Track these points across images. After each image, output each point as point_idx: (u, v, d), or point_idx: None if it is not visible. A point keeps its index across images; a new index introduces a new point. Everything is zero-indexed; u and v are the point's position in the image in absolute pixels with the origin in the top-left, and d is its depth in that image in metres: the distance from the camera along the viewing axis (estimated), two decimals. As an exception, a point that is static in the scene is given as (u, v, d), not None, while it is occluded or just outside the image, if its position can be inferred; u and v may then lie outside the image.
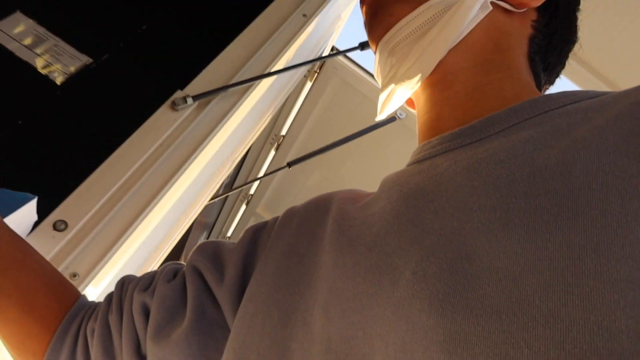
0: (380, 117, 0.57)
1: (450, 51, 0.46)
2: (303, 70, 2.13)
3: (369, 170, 2.60)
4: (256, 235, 0.51)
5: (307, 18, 1.27)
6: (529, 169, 0.31)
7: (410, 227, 0.35)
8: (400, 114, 2.14)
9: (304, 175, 2.86)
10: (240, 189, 2.85)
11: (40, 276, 0.52)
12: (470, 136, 0.40)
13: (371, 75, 2.22)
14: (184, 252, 3.37)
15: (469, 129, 0.40)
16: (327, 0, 1.33)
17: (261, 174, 2.90)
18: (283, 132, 2.67)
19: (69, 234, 0.75)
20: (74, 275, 0.74)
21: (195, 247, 0.53)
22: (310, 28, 1.25)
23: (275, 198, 3.20)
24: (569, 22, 0.51)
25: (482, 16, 0.46)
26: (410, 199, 0.37)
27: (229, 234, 3.73)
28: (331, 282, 0.38)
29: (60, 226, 0.75)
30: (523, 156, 0.32)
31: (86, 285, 0.76)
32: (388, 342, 0.30)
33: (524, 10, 0.48)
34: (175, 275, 0.53)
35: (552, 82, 0.54)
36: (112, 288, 1.09)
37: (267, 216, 3.46)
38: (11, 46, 1.23)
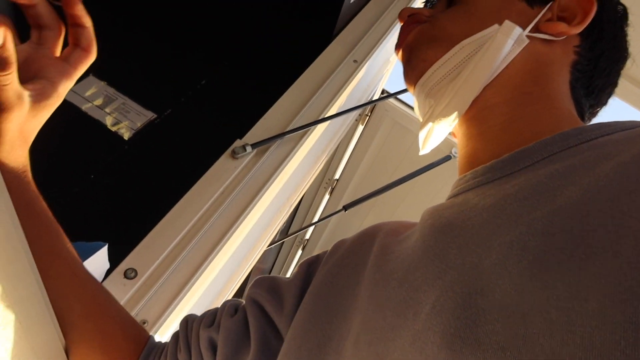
0: (424, 151, 0.58)
1: (486, 87, 0.47)
2: (355, 114, 2.16)
3: (423, 209, 2.55)
4: (310, 268, 0.53)
5: (358, 64, 1.30)
6: (550, 206, 0.31)
7: (436, 262, 0.35)
8: (456, 153, 2.11)
9: (359, 218, 2.85)
10: (296, 234, 2.87)
11: (117, 320, 0.55)
12: (501, 170, 0.40)
13: (423, 115, 2.22)
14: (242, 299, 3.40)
15: (500, 163, 0.41)
16: (376, 45, 1.36)
17: (316, 218, 2.91)
18: (337, 176, 2.69)
19: (139, 282, 0.78)
20: (144, 322, 0.76)
21: (252, 282, 0.55)
22: (361, 73, 1.28)
23: (331, 241, 3.19)
24: (617, 41, 0.50)
25: (518, 50, 0.46)
26: (439, 234, 0.38)
27: (285, 280, 3.73)
28: (364, 314, 0.39)
29: (130, 274, 0.78)
30: (546, 193, 0.32)
31: (155, 332, 0.77)
32: None
33: (564, 37, 0.47)
34: (236, 310, 0.55)
35: (604, 103, 0.53)
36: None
37: (323, 261, 3.44)
38: (85, 107, 1.32)
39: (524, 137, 0.42)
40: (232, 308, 0.55)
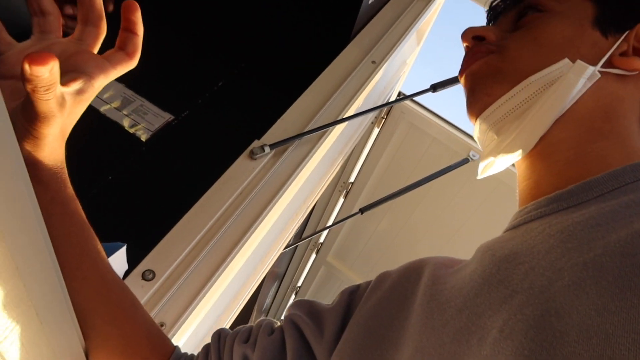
0: (481, 177, 0.57)
1: (553, 123, 0.45)
2: (371, 116, 2.14)
3: (440, 213, 2.52)
4: (350, 297, 0.52)
5: (376, 65, 1.28)
6: (627, 231, 0.30)
7: (500, 288, 0.35)
8: (474, 155, 2.08)
9: (374, 222, 2.83)
10: (310, 238, 2.85)
11: (142, 327, 0.54)
12: (567, 200, 0.39)
13: (439, 117, 2.20)
14: (256, 302, 3.39)
15: (566, 194, 0.39)
16: (395, 46, 1.35)
17: (330, 221, 2.89)
18: (352, 179, 2.68)
19: (157, 283, 0.77)
20: (162, 324, 0.75)
21: (291, 304, 0.55)
22: (379, 74, 1.27)
23: (345, 245, 3.17)
24: None
25: (588, 85, 0.44)
26: (502, 262, 0.37)
27: (299, 284, 3.71)
28: (417, 342, 0.39)
29: (148, 276, 0.77)
30: (622, 220, 0.32)
31: (172, 335, 0.76)
32: None
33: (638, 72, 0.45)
34: (273, 330, 0.54)
35: None
36: (192, 343, 1.10)
37: (338, 265, 3.42)
38: (103, 109, 1.33)
39: (590, 171, 0.41)
40: (268, 327, 0.55)
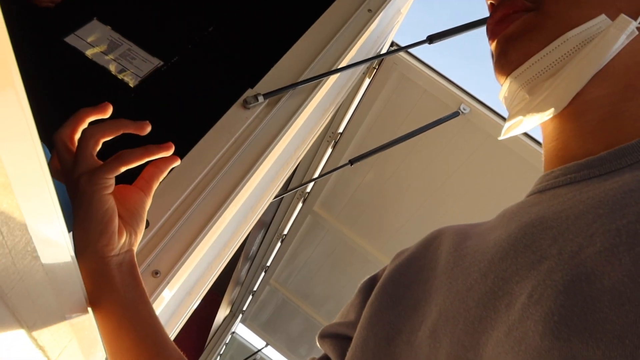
0: (503, 137, 0.55)
1: (588, 81, 0.43)
2: (363, 66, 2.11)
3: (428, 166, 2.54)
4: (370, 281, 0.53)
5: (372, 13, 1.25)
6: None
7: (527, 253, 0.34)
8: (464, 109, 2.08)
9: (362, 173, 2.84)
10: (298, 188, 2.87)
11: None
12: (598, 168, 0.37)
13: (432, 69, 2.17)
14: (243, 249, 3.44)
15: (597, 161, 0.38)
16: (391, -7, 1.31)
17: (318, 171, 2.90)
18: (340, 130, 2.66)
19: (151, 232, 0.77)
20: (156, 272, 0.76)
21: (318, 337, 0.57)
22: (374, 23, 1.23)
23: (332, 195, 3.19)
24: None
25: (626, 42, 0.42)
26: (528, 227, 0.37)
27: (285, 232, 3.77)
28: (441, 306, 0.38)
29: (142, 224, 0.77)
30: None
31: (167, 283, 0.77)
32: None
33: None
34: None
35: None
36: (184, 290, 1.11)
37: (324, 214, 3.46)
38: (88, 52, 1.28)
39: (624, 134, 0.39)
40: None
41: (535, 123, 0.49)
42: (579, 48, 0.43)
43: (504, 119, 2.12)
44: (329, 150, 2.82)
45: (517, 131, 0.52)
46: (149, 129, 0.62)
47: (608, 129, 0.41)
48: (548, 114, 0.45)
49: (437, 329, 0.37)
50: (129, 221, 0.60)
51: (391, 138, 2.14)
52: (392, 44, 2.16)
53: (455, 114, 2.06)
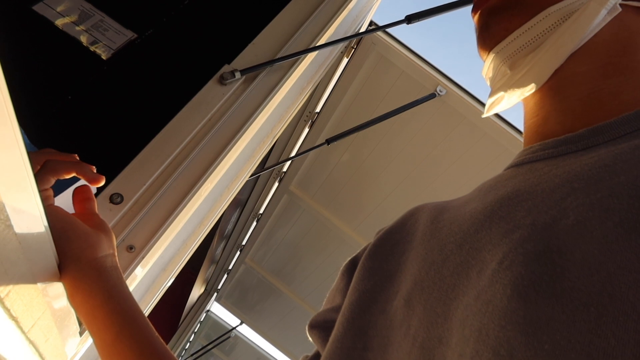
0: (487, 115, 0.55)
1: (569, 56, 0.43)
2: (341, 46, 2.10)
3: (405, 147, 2.56)
4: (351, 261, 0.52)
5: (351, -9, 1.24)
6: (636, 172, 0.30)
7: (502, 223, 0.35)
8: (441, 90, 2.09)
9: (338, 154, 2.85)
10: (274, 167, 2.86)
11: None
12: (575, 144, 0.38)
13: (410, 50, 2.17)
14: (218, 228, 3.43)
15: (575, 137, 0.38)
16: (371, -29, 1.30)
17: (294, 151, 2.90)
18: (317, 109, 2.65)
19: (125, 207, 0.76)
20: (131, 247, 0.75)
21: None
22: (353, 2, 1.23)
23: (308, 175, 3.20)
24: None
25: (608, 19, 0.42)
26: (504, 199, 0.37)
27: (261, 211, 3.76)
28: (416, 276, 0.39)
29: (116, 199, 0.76)
30: (631, 161, 0.32)
31: (141, 259, 0.77)
32: (465, 324, 0.31)
33: None
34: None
35: None
36: (158, 267, 1.11)
37: (300, 194, 3.47)
38: (58, 22, 1.24)
39: (604, 111, 0.40)
40: None
41: (517, 99, 0.49)
42: (559, 23, 0.44)
43: (479, 101, 2.15)
44: (306, 130, 2.81)
45: (500, 108, 0.52)
46: (102, 182, 0.65)
47: (587, 106, 0.41)
48: (529, 90, 0.46)
49: (412, 298, 0.38)
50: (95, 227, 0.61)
51: (368, 118, 2.15)
52: (371, 23, 2.16)
53: (432, 96, 2.08)
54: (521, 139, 1.86)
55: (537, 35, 0.44)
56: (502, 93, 0.49)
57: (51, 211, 0.55)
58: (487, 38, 0.48)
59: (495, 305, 0.30)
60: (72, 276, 0.52)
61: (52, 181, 0.59)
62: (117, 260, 0.61)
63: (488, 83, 0.52)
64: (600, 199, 0.30)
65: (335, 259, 3.73)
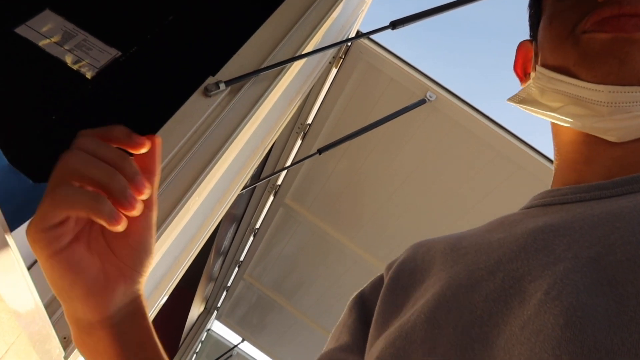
0: (518, 106, 0.53)
1: None
2: (329, 56, 2.10)
3: (398, 154, 2.56)
4: (362, 298, 0.51)
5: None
6: None
7: (540, 255, 0.35)
8: (431, 96, 2.09)
9: (332, 163, 2.84)
10: (267, 179, 2.85)
11: None
12: (611, 190, 0.39)
13: (397, 57, 2.17)
14: (214, 243, 3.40)
15: (610, 184, 0.39)
16: (353, -21, 1.30)
17: (288, 163, 2.89)
18: (309, 121, 2.65)
19: (110, 225, 0.74)
20: (117, 265, 0.73)
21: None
22: (338, 10, 1.22)
23: (303, 187, 3.19)
24: None
25: None
26: (537, 233, 0.37)
27: (257, 226, 3.74)
28: (441, 296, 0.39)
29: (101, 217, 0.74)
30: None
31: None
32: (512, 354, 0.31)
33: None
34: None
35: None
36: (150, 284, 1.09)
37: (296, 207, 3.45)
38: (42, 43, 1.23)
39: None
40: None
41: (572, 125, 0.46)
42: None
43: (469, 105, 2.15)
44: (299, 142, 2.80)
45: (532, 111, 0.50)
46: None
47: (623, 158, 0.42)
48: (604, 135, 0.44)
49: (437, 317, 0.38)
50: (126, 261, 0.42)
51: (360, 127, 2.14)
52: (358, 32, 2.16)
53: (422, 102, 2.07)
54: (514, 141, 1.85)
55: None
56: (570, 119, 0.46)
57: (49, 267, 0.39)
58: (630, 71, 0.42)
59: (547, 334, 0.30)
60: (76, 339, 0.44)
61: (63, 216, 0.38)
62: (142, 289, 0.46)
63: (554, 91, 0.47)
64: None
65: (335, 271, 3.70)
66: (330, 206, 3.19)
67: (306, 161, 2.68)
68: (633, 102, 0.42)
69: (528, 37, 0.56)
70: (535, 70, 0.49)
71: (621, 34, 0.41)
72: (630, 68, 0.41)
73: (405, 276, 0.46)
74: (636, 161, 0.42)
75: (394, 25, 1.17)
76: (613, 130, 0.43)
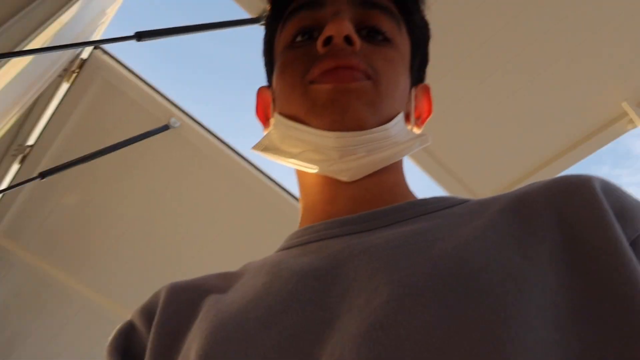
0: (259, 154, 0.55)
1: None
2: (58, 68, 1.85)
3: (139, 182, 2.39)
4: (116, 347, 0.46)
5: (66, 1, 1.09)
6: (427, 254, 0.36)
7: (316, 310, 0.37)
8: (175, 122, 2.03)
9: (60, 192, 2.48)
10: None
11: None
12: (359, 225, 0.44)
13: (140, 79, 2.06)
14: None
15: (357, 218, 0.45)
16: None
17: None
18: (30, 142, 2.27)
19: None
20: None
21: None
22: (74, 8, 1.08)
23: (19, 221, 2.68)
24: None
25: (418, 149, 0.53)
26: (308, 279, 0.39)
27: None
28: (206, 348, 0.38)
29: None
30: (417, 244, 0.38)
31: None
32: None
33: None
34: None
35: None
36: None
37: (8, 245, 2.86)
38: None
39: (383, 200, 0.48)
40: None
41: (312, 170, 0.51)
42: (389, 141, 0.50)
43: (214, 135, 2.17)
44: (15, 167, 2.36)
45: (276, 158, 0.53)
46: None
47: (372, 195, 0.49)
48: (338, 176, 0.50)
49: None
50: None
51: (94, 151, 1.93)
52: (96, 46, 1.97)
53: (165, 128, 2.00)
54: (255, 172, 1.94)
55: (376, 142, 0.49)
56: (304, 162, 0.51)
57: None
58: (344, 121, 0.48)
59: None
60: None
61: None
62: None
63: (287, 137, 0.52)
64: (404, 277, 0.35)
65: (57, 319, 3.19)
66: (55, 242, 2.77)
67: (25, 189, 2.27)
68: (356, 145, 0.48)
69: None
70: (274, 116, 0.53)
71: (340, 84, 0.47)
72: (351, 115, 0.47)
73: (172, 322, 0.44)
74: (372, 196, 0.49)
75: (140, 36, 1.10)
76: (344, 171, 0.49)
